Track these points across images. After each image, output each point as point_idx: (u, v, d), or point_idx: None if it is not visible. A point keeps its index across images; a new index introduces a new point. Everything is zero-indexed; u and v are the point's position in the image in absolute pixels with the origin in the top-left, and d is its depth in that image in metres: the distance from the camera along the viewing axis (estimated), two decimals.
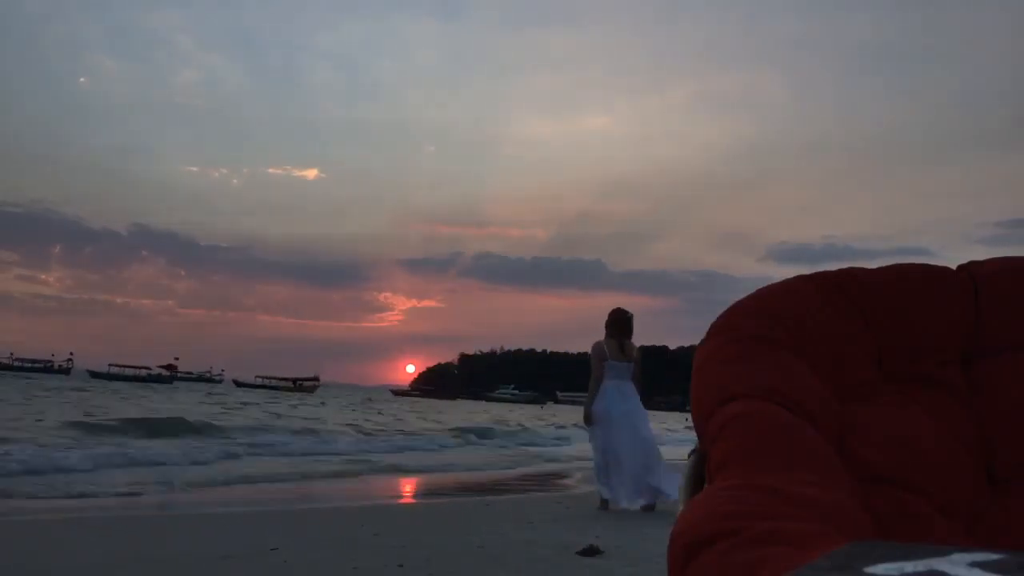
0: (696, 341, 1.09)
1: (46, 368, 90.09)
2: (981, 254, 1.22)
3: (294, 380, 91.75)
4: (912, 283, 1.09)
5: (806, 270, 1.13)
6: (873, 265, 1.14)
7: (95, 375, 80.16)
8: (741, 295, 1.09)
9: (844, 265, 1.14)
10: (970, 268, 1.12)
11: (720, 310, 1.08)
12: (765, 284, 1.10)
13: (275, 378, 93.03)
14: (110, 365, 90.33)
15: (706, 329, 1.08)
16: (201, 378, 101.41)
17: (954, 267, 1.14)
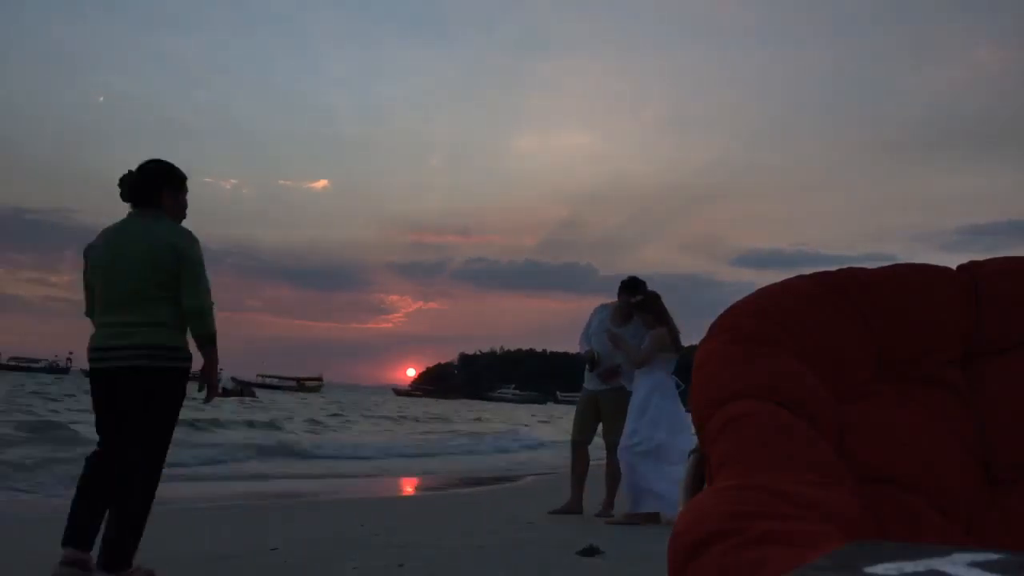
0: (688, 341, 1.09)
1: (47, 368, 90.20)
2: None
3: (298, 379, 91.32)
4: (912, 283, 1.09)
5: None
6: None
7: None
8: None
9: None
10: (971, 268, 1.12)
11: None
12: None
13: (278, 377, 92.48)
14: None
15: (695, 329, 1.08)
16: (193, 376, 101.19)
17: (954, 267, 1.14)
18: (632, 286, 5.83)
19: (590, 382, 6.01)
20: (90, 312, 3.43)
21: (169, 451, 3.36)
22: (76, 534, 3.14)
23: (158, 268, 3.21)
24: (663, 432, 5.40)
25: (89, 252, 3.42)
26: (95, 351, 3.32)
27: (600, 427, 6.02)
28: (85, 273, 3.43)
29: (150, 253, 3.22)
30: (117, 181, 3.39)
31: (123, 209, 3.39)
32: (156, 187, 3.35)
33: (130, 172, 3.39)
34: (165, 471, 3.39)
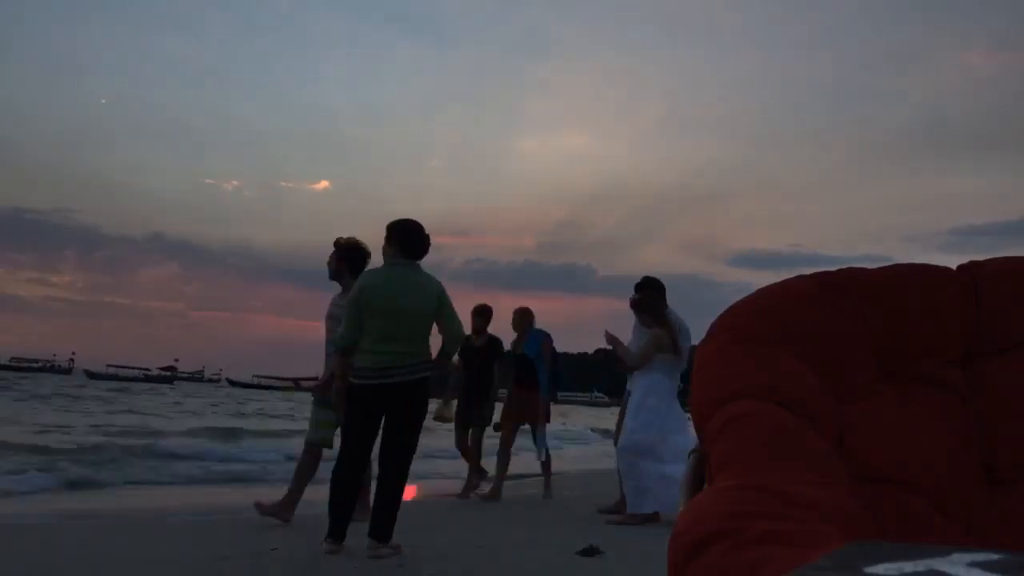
0: (689, 341, 1.09)
1: (45, 368, 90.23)
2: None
3: (295, 380, 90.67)
4: (912, 283, 1.09)
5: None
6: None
7: (93, 375, 79.76)
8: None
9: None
10: (971, 268, 1.12)
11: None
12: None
13: (274, 378, 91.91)
14: (108, 365, 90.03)
15: (694, 329, 1.08)
16: (193, 378, 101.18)
17: (954, 267, 1.14)
18: (640, 285, 5.78)
19: (630, 383, 5.98)
20: (351, 339, 4.10)
21: None
22: (339, 528, 4.01)
23: (429, 313, 4.19)
24: (660, 432, 5.39)
25: (370, 291, 4.12)
26: (372, 370, 4.06)
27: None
28: (360, 306, 4.09)
29: (427, 302, 4.18)
30: (414, 236, 4.24)
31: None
32: (426, 250, 4.32)
33: (416, 230, 4.28)
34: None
